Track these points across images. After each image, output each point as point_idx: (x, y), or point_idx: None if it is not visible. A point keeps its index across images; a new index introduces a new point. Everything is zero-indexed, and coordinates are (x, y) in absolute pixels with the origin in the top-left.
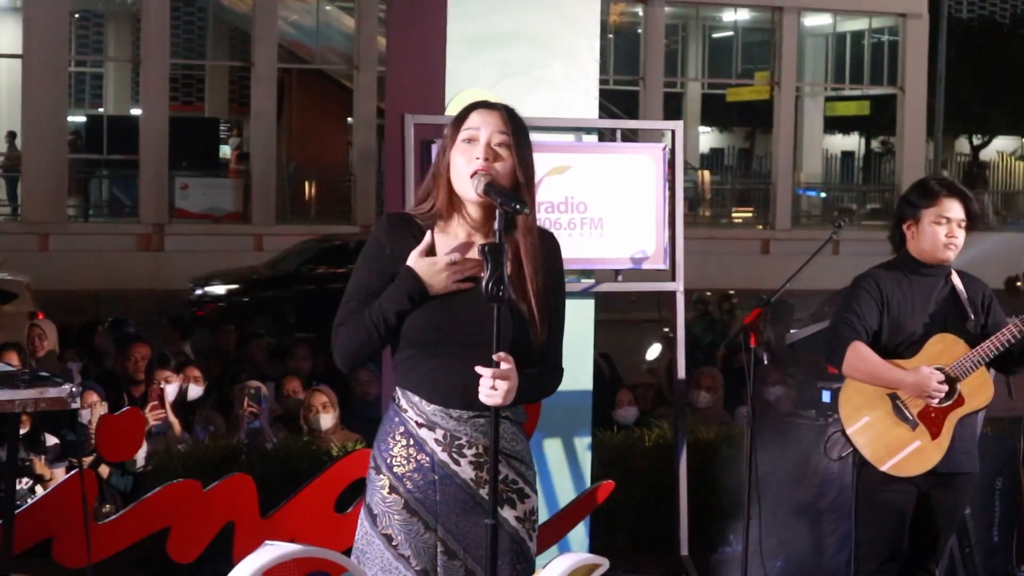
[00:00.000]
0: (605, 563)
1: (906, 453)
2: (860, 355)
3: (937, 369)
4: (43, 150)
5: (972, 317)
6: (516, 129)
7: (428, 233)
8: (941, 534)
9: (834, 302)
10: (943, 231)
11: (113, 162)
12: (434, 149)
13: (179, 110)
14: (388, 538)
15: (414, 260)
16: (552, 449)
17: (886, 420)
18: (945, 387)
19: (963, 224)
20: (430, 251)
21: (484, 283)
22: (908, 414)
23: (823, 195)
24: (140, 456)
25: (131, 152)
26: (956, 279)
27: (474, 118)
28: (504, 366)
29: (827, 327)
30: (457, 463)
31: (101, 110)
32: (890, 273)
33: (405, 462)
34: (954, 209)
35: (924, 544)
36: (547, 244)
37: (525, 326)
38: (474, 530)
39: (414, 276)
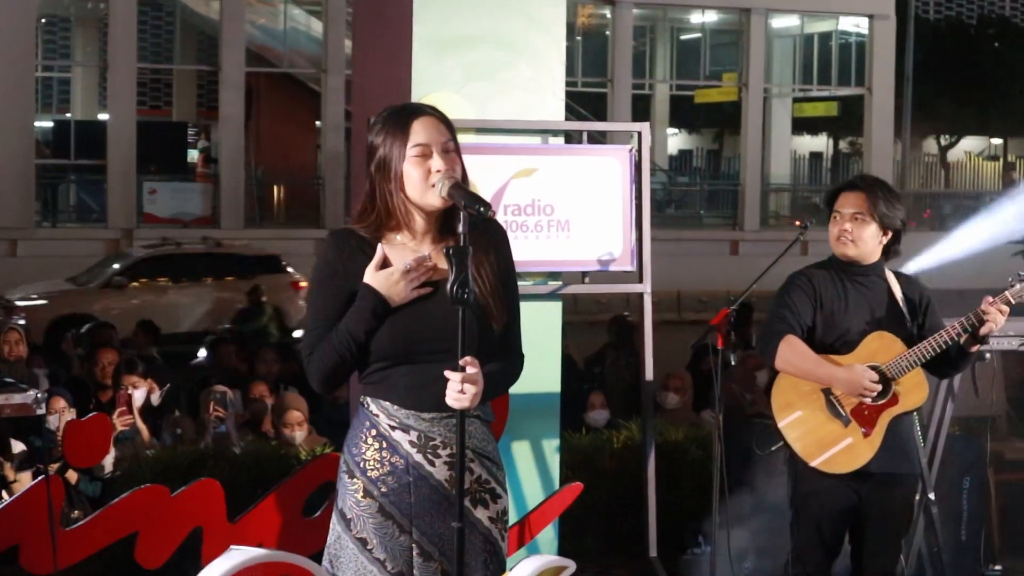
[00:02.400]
0: (572, 565)
1: (837, 449)
2: (793, 349)
3: (872, 367)
4: (10, 155)
5: (908, 318)
6: (451, 130)
7: (379, 247)
8: (889, 536)
9: None
10: (836, 226)
11: (81, 167)
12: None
13: (147, 114)
14: (363, 542)
15: (370, 276)
16: (520, 451)
17: (819, 415)
18: (878, 386)
19: (859, 217)
20: (383, 264)
21: (449, 286)
22: (841, 410)
23: None
24: (108, 462)
25: (99, 157)
26: (892, 280)
27: (419, 131)
28: (470, 370)
29: (763, 323)
30: (432, 464)
31: (68, 115)
32: (822, 271)
33: (379, 465)
34: (847, 203)
35: (875, 548)
36: (493, 232)
37: (484, 319)
38: (449, 531)
39: (374, 292)
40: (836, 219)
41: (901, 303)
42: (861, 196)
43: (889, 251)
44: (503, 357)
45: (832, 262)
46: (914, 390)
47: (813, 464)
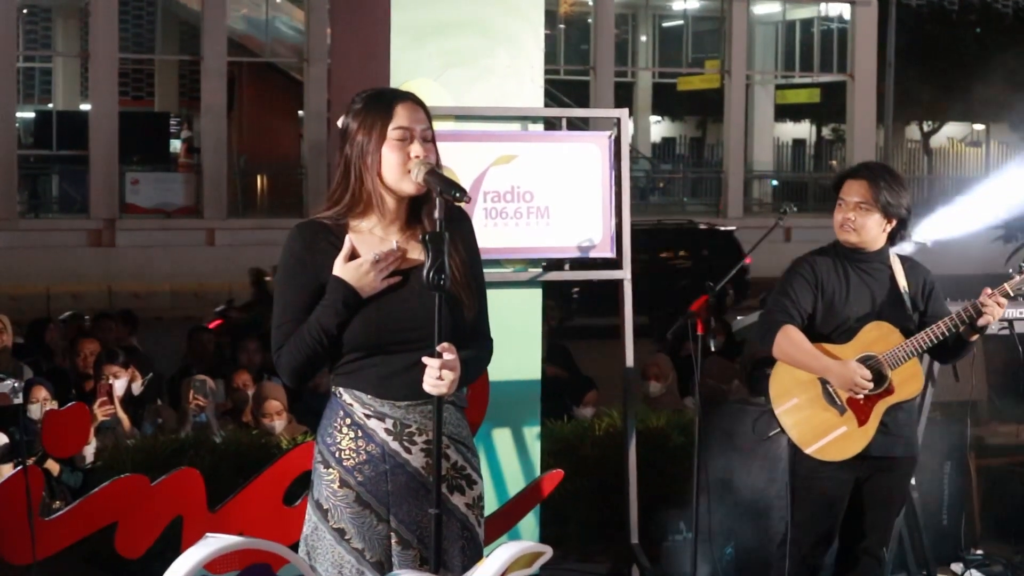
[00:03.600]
0: (548, 550)
1: (831, 437)
2: (791, 339)
3: (868, 356)
4: None
5: (909, 306)
6: (430, 118)
7: (347, 238)
8: (881, 518)
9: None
10: (840, 214)
11: (63, 158)
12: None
13: (129, 105)
14: (340, 532)
15: (340, 268)
16: (501, 438)
17: (815, 403)
18: (870, 384)
19: (863, 206)
20: (351, 256)
21: (425, 272)
22: (837, 399)
23: (774, 183)
24: (89, 452)
25: (81, 147)
26: (897, 266)
27: (401, 115)
28: (448, 356)
29: (762, 310)
30: (408, 451)
31: (50, 105)
32: (825, 258)
33: (354, 454)
34: (851, 191)
35: (865, 528)
36: (456, 216)
37: (457, 307)
38: (426, 519)
39: (344, 284)
40: (840, 206)
41: (903, 291)
42: (864, 184)
43: (895, 237)
44: (474, 342)
45: (835, 248)
46: (909, 380)
47: (808, 451)
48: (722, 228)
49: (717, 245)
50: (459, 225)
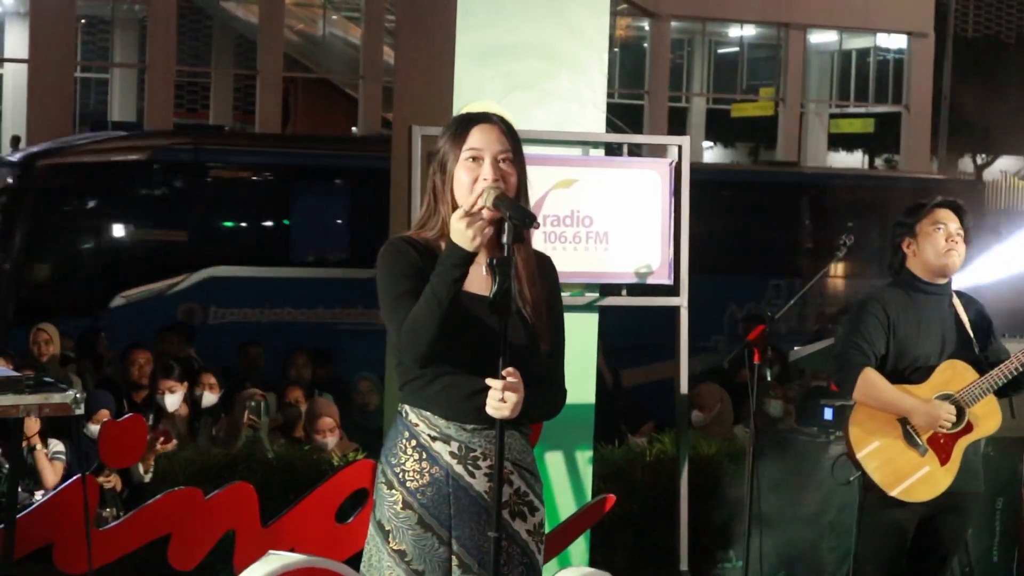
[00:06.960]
0: None
1: (916, 478)
2: (871, 383)
3: (946, 395)
4: None
5: (976, 342)
6: (514, 142)
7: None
8: (947, 554)
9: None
10: (942, 235)
11: None
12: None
13: (184, 117)
14: (401, 554)
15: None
16: (553, 462)
17: (896, 445)
18: (954, 417)
19: (960, 235)
20: None
21: (492, 295)
22: (918, 440)
23: None
24: (142, 467)
25: None
26: (956, 301)
27: (476, 137)
28: (511, 379)
29: (836, 352)
30: (472, 475)
31: (106, 116)
32: (894, 293)
33: (418, 476)
34: (949, 217)
35: (929, 563)
36: (542, 263)
37: (530, 338)
38: (488, 543)
39: (450, 243)
40: (940, 230)
41: (967, 327)
42: (956, 216)
43: None
44: (547, 386)
45: (904, 281)
46: (988, 417)
47: (892, 493)
48: None
49: None
50: (545, 271)
